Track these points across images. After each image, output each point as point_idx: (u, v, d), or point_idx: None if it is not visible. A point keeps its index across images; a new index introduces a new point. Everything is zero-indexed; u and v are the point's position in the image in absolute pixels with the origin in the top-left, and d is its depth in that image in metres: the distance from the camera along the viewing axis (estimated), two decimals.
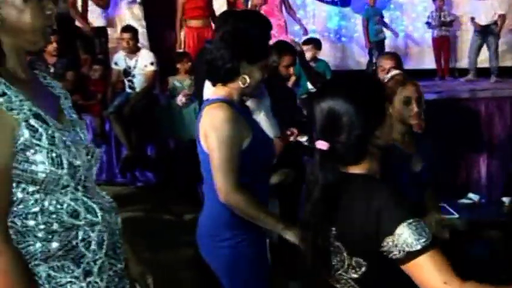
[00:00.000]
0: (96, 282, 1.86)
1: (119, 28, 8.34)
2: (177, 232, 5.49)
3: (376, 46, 9.64)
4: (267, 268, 2.79)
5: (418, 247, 1.67)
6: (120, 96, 7.14)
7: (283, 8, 8.57)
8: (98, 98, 7.39)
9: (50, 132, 1.76)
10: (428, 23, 10.12)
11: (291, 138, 3.82)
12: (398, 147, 3.00)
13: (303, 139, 4.02)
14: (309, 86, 6.98)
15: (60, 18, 7.89)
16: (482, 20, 9.34)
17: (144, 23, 9.17)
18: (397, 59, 4.92)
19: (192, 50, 7.62)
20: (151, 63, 7.15)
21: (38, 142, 1.73)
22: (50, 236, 1.77)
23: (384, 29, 9.91)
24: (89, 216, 1.83)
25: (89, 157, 1.90)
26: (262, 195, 2.70)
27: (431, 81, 9.36)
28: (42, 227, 1.76)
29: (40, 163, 1.73)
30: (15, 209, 1.75)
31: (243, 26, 2.71)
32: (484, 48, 9.51)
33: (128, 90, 7.23)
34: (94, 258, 1.85)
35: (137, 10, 9.35)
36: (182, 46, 8.01)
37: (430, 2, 10.31)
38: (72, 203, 1.81)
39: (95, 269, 1.86)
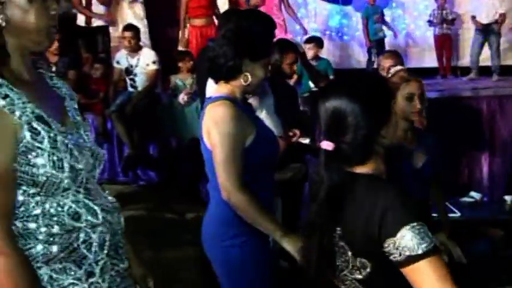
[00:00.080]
0: (98, 283, 1.86)
1: (120, 27, 8.34)
2: (179, 231, 5.49)
3: (375, 45, 9.63)
4: (273, 268, 2.76)
5: (419, 251, 1.66)
6: (122, 95, 7.14)
7: (283, 7, 8.57)
8: (99, 96, 7.39)
9: (52, 135, 1.76)
10: (430, 21, 10.10)
11: (294, 140, 3.82)
12: (402, 144, 3.01)
13: (306, 141, 4.02)
14: (311, 84, 6.98)
15: (61, 17, 7.88)
16: (484, 19, 9.33)
17: (145, 21, 9.16)
18: (398, 57, 4.92)
19: (196, 48, 7.62)
20: (153, 62, 7.15)
21: (39, 145, 1.73)
22: (51, 239, 1.77)
23: (385, 28, 9.89)
24: (90, 218, 1.83)
25: (93, 159, 1.90)
26: (266, 193, 2.70)
27: (433, 80, 9.35)
28: (43, 229, 1.76)
29: (41, 166, 1.73)
30: (16, 211, 1.75)
31: (246, 24, 2.71)
32: (486, 47, 9.49)
33: (130, 89, 7.23)
34: (96, 259, 1.85)
35: (139, 9, 9.34)
36: (186, 44, 8.01)
37: (431, 1, 10.29)
38: (73, 205, 1.81)
39: (97, 270, 1.86)
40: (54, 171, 1.74)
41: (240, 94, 2.68)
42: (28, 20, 1.75)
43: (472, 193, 6.16)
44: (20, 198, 1.75)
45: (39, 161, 1.72)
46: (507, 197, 5.58)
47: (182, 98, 7.03)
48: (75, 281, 1.81)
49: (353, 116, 1.80)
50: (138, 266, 2.19)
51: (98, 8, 8.39)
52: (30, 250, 1.76)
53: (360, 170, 1.84)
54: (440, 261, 1.68)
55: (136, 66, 7.14)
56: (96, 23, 8.41)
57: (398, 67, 3.54)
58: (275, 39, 3.82)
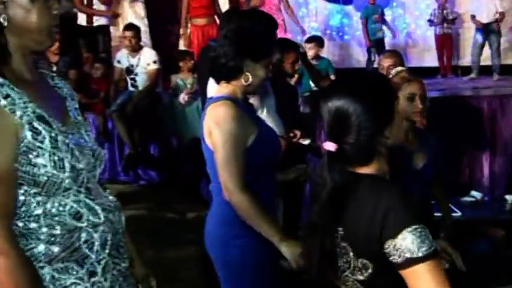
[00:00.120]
0: (100, 282, 1.86)
1: (121, 26, 8.34)
2: (180, 230, 5.50)
3: (375, 44, 9.63)
4: (274, 268, 2.74)
5: (419, 255, 1.65)
6: (123, 95, 7.14)
7: (282, 7, 8.58)
8: (100, 96, 7.39)
9: (53, 135, 1.76)
10: (430, 21, 10.10)
11: (294, 140, 3.82)
12: (404, 145, 3.01)
13: (306, 142, 4.02)
14: (311, 84, 6.98)
15: (62, 16, 7.85)
16: (484, 18, 9.32)
17: (146, 21, 9.16)
18: (398, 57, 4.92)
19: (197, 48, 7.62)
20: (154, 62, 7.15)
21: (40, 145, 1.73)
22: (53, 238, 1.77)
23: (385, 28, 9.89)
24: (91, 217, 1.83)
25: (94, 159, 1.90)
26: (268, 193, 2.69)
27: (434, 79, 9.35)
28: (45, 229, 1.76)
29: (42, 166, 1.73)
30: (17, 211, 1.75)
31: (247, 24, 2.71)
32: (486, 46, 9.48)
33: (131, 88, 7.23)
34: (98, 258, 1.85)
35: (139, 8, 9.34)
36: (189, 44, 8.01)
37: (432, 0, 10.29)
38: (75, 205, 1.81)
39: (99, 269, 1.86)
40: (55, 171, 1.75)
41: (241, 94, 2.68)
42: (30, 20, 1.76)
43: (473, 192, 6.16)
44: (21, 198, 1.75)
45: (40, 160, 1.73)
46: (508, 197, 5.59)
47: (183, 97, 7.04)
48: (77, 281, 1.81)
49: (356, 115, 1.78)
50: (141, 265, 2.19)
51: (99, 7, 8.39)
52: (32, 250, 1.76)
53: (363, 170, 1.83)
54: (439, 266, 1.68)
55: (137, 65, 7.15)
56: (97, 22, 8.40)
57: (399, 68, 3.55)
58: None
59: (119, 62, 7.30)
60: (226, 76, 2.65)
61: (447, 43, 10.07)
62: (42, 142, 1.73)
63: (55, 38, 1.87)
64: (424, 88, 3.15)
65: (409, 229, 1.66)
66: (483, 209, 5.80)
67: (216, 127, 2.56)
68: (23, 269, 1.69)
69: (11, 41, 1.76)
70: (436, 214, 3.60)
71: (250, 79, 2.62)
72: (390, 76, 3.27)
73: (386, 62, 4.79)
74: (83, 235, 1.81)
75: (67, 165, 1.77)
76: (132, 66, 7.16)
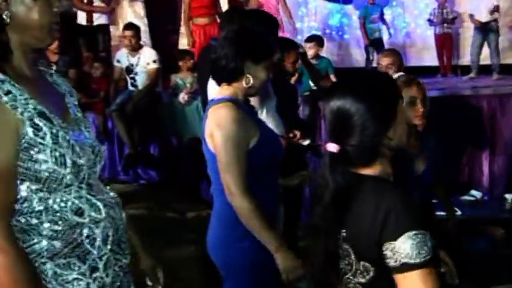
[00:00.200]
0: (102, 278, 1.87)
1: (121, 26, 8.34)
2: (180, 230, 5.50)
3: (373, 44, 9.63)
4: (276, 270, 2.69)
5: (416, 261, 1.63)
6: (123, 94, 7.14)
7: (280, 7, 8.60)
8: (100, 95, 7.39)
9: (54, 131, 1.77)
10: (430, 20, 10.09)
11: (294, 140, 3.81)
12: (407, 148, 3.00)
13: (305, 142, 4.01)
14: (311, 83, 6.99)
15: (62, 15, 7.84)
16: (482, 17, 9.30)
17: (146, 20, 9.17)
18: (396, 55, 4.93)
19: (199, 47, 7.63)
20: (154, 61, 7.15)
21: (41, 141, 1.74)
22: (55, 234, 1.78)
23: (384, 27, 9.89)
24: (93, 213, 1.84)
25: (94, 155, 1.91)
26: (270, 194, 2.69)
27: (434, 79, 9.35)
28: (47, 225, 1.77)
29: (43, 162, 1.74)
30: (19, 207, 1.76)
31: (248, 25, 2.70)
32: (486, 46, 9.48)
33: (131, 88, 7.23)
34: (99, 254, 1.86)
35: (139, 8, 9.35)
36: (192, 44, 8.01)
37: None
38: (76, 201, 1.82)
39: (101, 265, 1.87)
40: (56, 167, 1.76)
41: (242, 96, 2.67)
42: (32, 17, 1.77)
43: (473, 192, 6.17)
44: (23, 194, 1.76)
45: (42, 156, 1.73)
46: (507, 196, 5.60)
47: (182, 97, 7.04)
48: (79, 276, 1.82)
49: (358, 115, 1.76)
50: (147, 257, 2.21)
51: (99, 5, 8.39)
52: (34, 246, 1.77)
53: (366, 171, 1.80)
54: (434, 275, 1.66)
55: (136, 65, 7.15)
56: (97, 21, 8.40)
57: (399, 73, 3.55)
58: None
59: (118, 61, 7.30)
60: (227, 78, 2.64)
61: (447, 42, 10.07)
62: (43, 138, 1.74)
63: (55, 35, 1.88)
64: (425, 91, 3.15)
65: (410, 233, 1.64)
66: (483, 208, 5.81)
67: (217, 129, 2.55)
68: (21, 267, 1.70)
69: (13, 38, 1.77)
70: (438, 213, 3.62)
71: (251, 81, 2.62)
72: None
73: (385, 61, 4.80)
74: (85, 231, 1.82)
75: (68, 161, 1.78)
76: (131, 65, 7.16)
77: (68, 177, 1.79)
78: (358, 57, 10.45)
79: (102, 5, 8.37)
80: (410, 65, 9.65)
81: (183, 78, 7.33)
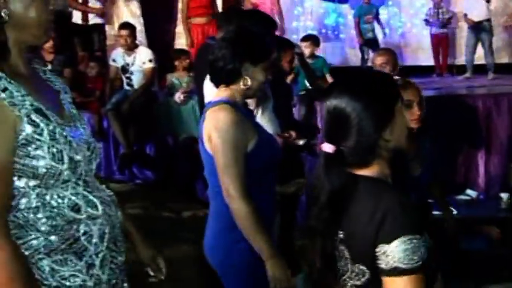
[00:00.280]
0: (98, 275, 1.88)
1: (116, 25, 8.32)
2: (176, 229, 5.50)
3: (367, 43, 9.64)
4: None
5: (408, 266, 1.63)
6: (118, 94, 7.13)
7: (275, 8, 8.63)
8: (96, 95, 7.39)
9: (51, 127, 1.78)
10: (426, 20, 10.11)
11: (289, 140, 3.80)
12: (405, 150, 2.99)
13: (300, 142, 4.01)
14: (307, 83, 6.99)
15: (57, 14, 7.81)
16: (475, 17, 9.30)
17: (141, 20, 9.15)
18: (391, 55, 4.92)
19: (197, 47, 7.63)
20: (150, 60, 7.13)
21: (39, 137, 1.75)
22: (53, 230, 1.79)
23: (378, 27, 9.89)
24: (89, 210, 1.86)
25: (89, 152, 1.92)
26: (268, 195, 2.69)
27: (429, 78, 9.37)
28: (44, 221, 1.78)
29: (41, 158, 1.75)
30: (17, 203, 1.77)
31: (246, 27, 2.69)
32: (480, 45, 9.49)
33: (126, 87, 7.22)
34: (96, 251, 1.87)
35: (135, 7, 9.33)
36: (192, 44, 8.00)
37: None
38: (73, 198, 1.83)
39: (97, 262, 1.88)
40: (53, 163, 1.77)
41: (240, 98, 2.66)
42: (30, 15, 1.79)
43: (468, 191, 6.18)
44: (21, 190, 1.77)
45: (39, 153, 1.75)
46: (503, 195, 5.60)
47: (178, 97, 7.03)
48: (76, 273, 1.83)
49: (354, 114, 1.73)
50: (147, 248, 2.22)
51: (94, 4, 8.38)
52: (32, 241, 1.77)
53: (363, 172, 1.78)
54: (422, 283, 1.65)
55: (132, 64, 7.13)
56: (93, 21, 8.38)
57: (395, 77, 3.54)
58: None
59: (114, 60, 7.29)
60: (225, 80, 2.63)
61: (443, 42, 10.08)
62: (40, 134, 1.75)
63: (51, 33, 1.92)
64: (421, 94, 3.14)
65: (404, 238, 1.63)
66: (478, 208, 5.82)
67: (215, 132, 2.54)
68: (16, 263, 1.70)
69: (10, 36, 1.78)
70: (434, 212, 3.62)
71: (249, 83, 2.61)
72: None
73: (379, 60, 4.80)
74: (82, 227, 1.83)
75: (65, 157, 1.79)
76: (127, 65, 7.15)
77: (66, 173, 1.80)
78: (353, 56, 10.46)
79: (97, 5, 8.36)
80: (406, 64, 9.67)
81: (179, 78, 7.32)
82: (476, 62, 9.52)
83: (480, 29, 9.29)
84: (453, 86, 8.56)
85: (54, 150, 1.77)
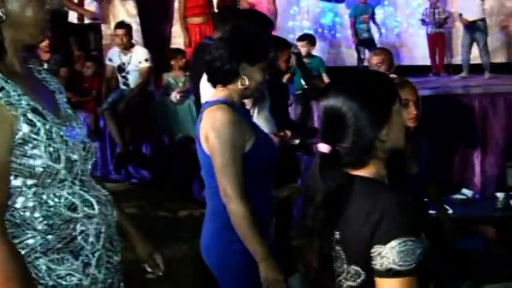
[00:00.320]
0: (94, 275, 1.88)
1: (112, 24, 8.32)
2: (172, 229, 5.49)
3: (363, 43, 9.64)
4: None
5: (402, 269, 1.62)
6: (115, 93, 7.12)
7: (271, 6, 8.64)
8: (92, 94, 7.38)
9: (47, 126, 1.78)
10: (422, 20, 10.11)
11: (284, 140, 3.80)
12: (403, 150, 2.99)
13: (296, 142, 4.01)
14: (303, 82, 7.00)
15: (53, 14, 7.81)
16: (469, 16, 9.31)
17: (138, 19, 9.15)
18: (387, 54, 4.93)
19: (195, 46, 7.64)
20: (146, 60, 7.13)
21: (35, 136, 1.75)
22: (49, 229, 1.79)
23: (374, 27, 9.90)
24: (86, 209, 1.86)
25: (85, 152, 1.92)
26: (266, 195, 2.68)
27: (425, 78, 9.38)
28: (41, 220, 1.78)
29: (38, 157, 1.75)
30: (13, 202, 1.77)
31: (243, 26, 2.68)
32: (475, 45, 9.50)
33: (122, 86, 7.21)
34: (92, 250, 1.88)
35: (131, 6, 9.33)
36: (189, 44, 8.00)
37: None
38: (70, 197, 1.83)
39: (93, 261, 1.88)
40: (50, 162, 1.77)
41: (238, 98, 2.65)
42: (26, 14, 1.79)
43: (464, 190, 6.17)
44: (18, 189, 1.77)
45: (36, 152, 1.75)
46: (499, 194, 5.59)
47: (175, 96, 7.02)
48: (72, 272, 1.83)
49: (350, 114, 1.72)
50: (144, 244, 2.23)
51: (91, 4, 8.37)
52: (28, 240, 1.77)
53: (359, 172, 1.76)
54: (415, 285, 1.64)
55: (128, 63, 7.12)
56: (88, 20, 8.38)
57: (392, 76, 3.54)
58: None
59: (110, 60, 7.28)
60: (222, 80, 2.62)
61: (439, 42, 10.10)
62: (37, 134, 1.75)
63: (47, 32, 1.92)
64: (418, 93, 3.14)
65: (400, 240, 1.62)
66: (474, 207, 5.81)
67: (213, 132, 2.52)
68: (13, 262, 1.70)
69: (6, 35, 1.78)
70: (430, 212, 3.62)
71: (247, 82, 2.60)
72: None
73: (375, 60, 4.82)
74: (78, 226, 1.84)
75: (62, 156, 1.79)
76: (123, 64, 7.14)
77: (62, 172, 1.80)
78: (350, 56, 10.48)
79: (93, 6, 8.35)
80: (402, 64, 9.69)
81: (175, 77, 7.32)
82: (472, 62, 9.53)
83: (474, 29, 9.29)
84: (449, 86, 8.57)
85: (51, 149, 1.77)
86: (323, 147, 1.77)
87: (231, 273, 2.66)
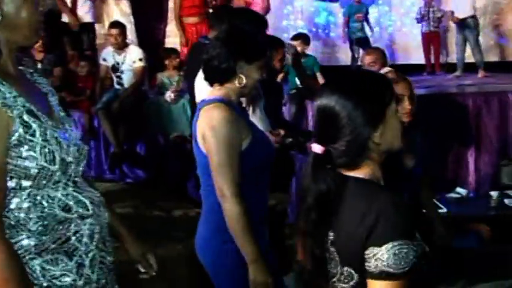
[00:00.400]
0: (88, 275, 1.89)
1: (106, 24, 8.30)
2: (167, 228, 5.49)
3: (357, 42, 9.64)
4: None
5: (396, 271, 1.61)
6: (109, 93, 7.11)
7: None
8: (86, 94, 7.37)
9: (42, 128, 1.79)
10: (417, 19, 10.11)
11: (277, 140, 3.81)
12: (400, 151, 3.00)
13: (288, 140, 4.02)
14: (297, 81, 7.00)
15: (47, 14, 7.81)
16: (460, 14, 9.30)
17: (132, 18, 9.13)
18: (379, 54, 4.95)
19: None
20: (140, 59, 7.11)
21: (31, 138, 1.76)
22: (44, 230, 1.79)
23: (366, 26, 9.91)
24: (80, 210, 1.86)
25: (78, 154, 1.92)
26: (262, 194, 2.68)
27: (420, 77, 9.38)
28: (35, 221, 1.78)
29: (33, 159, 1.76)
30: (8, 203, 1.77)
31: (239, 25, 2.68)
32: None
33: (117, 86, 7.20)
34: (86, 250, 1.88)
35: (125, 6, 9.31)
36: (186, 43, 7.99)
37: None
38: (63, 198, 1.84)
39: (87, 262, 1.89)
40: (45, 164, 1.78)
41: (235, 97, 2.65)
42: (21, 15, 1.80)
43: (458, 189, 6.18)
44: (12, 190, 1.77)
45: (32, 153, 1.75)
46: (493, 193, 5.61)
47: (169, 95, 7.02)
48: (66, 272, 1.84)
49: (343, 114, 1.70)
50: (137, 245, 2.23)
51: (85, 3, 8.35)
52: (22, 241, 1.78)
53: (354, 173, 1.75)
54: (407, 287, 1.64)
55: (122, 63, 7.11)
56: (82, 19, 8.35)
57: (387, 68, 3.55)
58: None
59: (104, 59, 7.26)
60: (219, 78, 2.62)
61: (435, 41, 10.10)
62: (33, 135, 1.76)
63: (41, 34, 1.93)
64: (412, 88, 3.15)
65: (395, 243, 1.61)
66: (468, 206, 5.81)
67: (210, 131, 2.52)
68: (12, 264, 1.71)
69: (1, 37, 1.79)
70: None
71: (244, 81, 2.59)
72: None
73: (368, 59, 4.84)
74: (72, 226, 1.84)
75: (57, 158, 1.80)
76: (117, 64, 7.12)
77: (57, 174, 1.81)
78: (344, 55, 10.47)
79: (86, 7, 8.32)
80: (397, 63, 9.70)
81: (169, 77, 7.32)
82: (467, 60, 9.53)
83: (464, 26, 9.27)
84: (443, 85, 8.57)
85: (46, 151, 1.78)
86: (316, 148, 1.75)
87: (225, 273, 2.66)
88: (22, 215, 1.78)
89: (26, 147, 1.75)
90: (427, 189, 3.56)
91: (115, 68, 7.15)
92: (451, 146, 6.83)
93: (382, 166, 1.80)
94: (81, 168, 1.95)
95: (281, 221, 4.14)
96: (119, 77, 7.16)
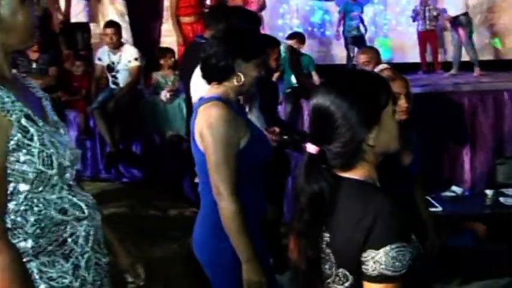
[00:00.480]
0: (84, 276, 1.90)
1: (101, 23, 8.29)
2: (163, 228, 5.48)
3: (352, 41, 9.65)
4: (266, 268, 2.67)
5: (393, 274, 1.61)
6: (104, 92, 7.10)
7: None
8: (82, 93, 7.35)
9: (40, 133, 1.79)
10: (413, 17, 10.12)
11: (273, 137, 3.81)
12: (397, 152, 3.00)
13: (284, 138, 4.02)
14: (293, 80, 7.00)
15: (42, 13, 7.84)
16: (453, 12, 9.30)
17: (127, 18, 9.12)
18: (374, 53, 4.97)
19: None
20: (135, 59, 7.10)
21: (29, 142, 1.76)
22: (41, 232, 1.80)
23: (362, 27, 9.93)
24: (76, 212, 1.87)
25: (73, 157, 1.93)
26: (259, 192, 2.68)
27: (415, 75, 9.40)
28: (32, 223, 1.79)
29: (31, 163, 1.76)
30: (6, 207, 1.77)
31: (236, 23, 2.68)
32: None
33: (112, 86, 7.19)
34: (82, 252, 1.89)
35: (120, 5, 9.30)
36: (183, 41, 7.98)
37: None
38: (59, 201, 1.85)
39: (82, 263, 1.89)
40: (43, 168, 1.78)
41: (233, 95, 2.64)
42: (18, 19, 1.81)
43: (454, 187, 6.19)
44: (10, 194, 1.77)
45: (29, 158, 1.76)
46: (488, 192, 5.61)
47: (164, 95, 7.01)
48: (63, 274, 1.84)
49: (338, 114, 1.69)
50: (126, 254, 2.22)
51: (79, 2, 8.34)
52: (20, 244, 1.78)
53: (349, 174, 1.74)
54: None
55: (118, 63, 7.10)
56: (75, 19, 8.35)
57: (383, 65, 3.56)
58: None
59: (99, 59, 7.25)
60: (217, 77, 2.61)
61: (432, 39, 10.10)
62: (31, 140, 1.76)
63: (35, 37, 1.94)
64: (409, 86, 3.15)
65: (393, 246, 1.61)
66: (464, 204, 5.82)
67: (208, 129, 2.52)
68: (16, 266, 1.71)
69: None
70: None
71: (243, 79, 2.59)
72: None
73: (362, 58, 4.85)
74: (68, 228, 1.85)
75: (55, 162, 1.81)
76: (113, 63, 7.11)
77: (55, 178, 1.82)
78: (339, 54, 10.48)
79: (81, 6, 8.32)
80: (392, 61, 9.71)
81: (165, 76, 7.31)
82: (463, 59, 9.54)
83: (456, 24, 9.27)
84: (439, 83, 8.59)
85: (44, 155, 1.78)
86: (311, 148, 1.75)
87: (223, 271, 2.66)
88: (19, 218, 1.78)
89: (24, 151, 1.75)
90: (419, 188, 3.56)
91: (110, 68, 7.14)
92: (447, 145, 6.85)
93: (379, 164, 1.79)
94: (74, 172, 1.96)
95: (277, 219, 4.15)
96: (114, 76, 7.15)
